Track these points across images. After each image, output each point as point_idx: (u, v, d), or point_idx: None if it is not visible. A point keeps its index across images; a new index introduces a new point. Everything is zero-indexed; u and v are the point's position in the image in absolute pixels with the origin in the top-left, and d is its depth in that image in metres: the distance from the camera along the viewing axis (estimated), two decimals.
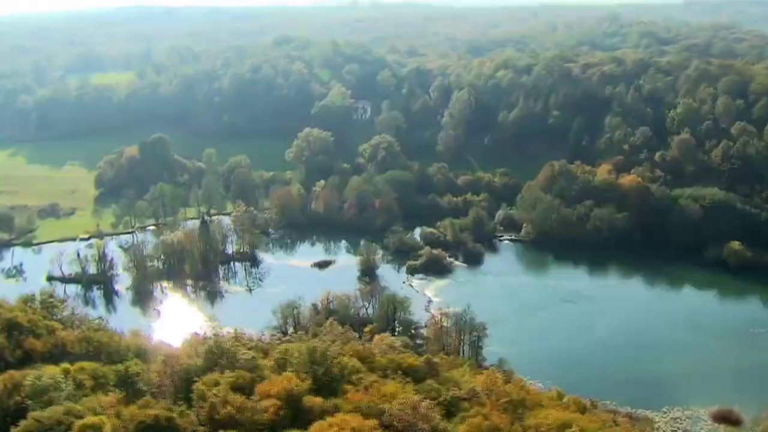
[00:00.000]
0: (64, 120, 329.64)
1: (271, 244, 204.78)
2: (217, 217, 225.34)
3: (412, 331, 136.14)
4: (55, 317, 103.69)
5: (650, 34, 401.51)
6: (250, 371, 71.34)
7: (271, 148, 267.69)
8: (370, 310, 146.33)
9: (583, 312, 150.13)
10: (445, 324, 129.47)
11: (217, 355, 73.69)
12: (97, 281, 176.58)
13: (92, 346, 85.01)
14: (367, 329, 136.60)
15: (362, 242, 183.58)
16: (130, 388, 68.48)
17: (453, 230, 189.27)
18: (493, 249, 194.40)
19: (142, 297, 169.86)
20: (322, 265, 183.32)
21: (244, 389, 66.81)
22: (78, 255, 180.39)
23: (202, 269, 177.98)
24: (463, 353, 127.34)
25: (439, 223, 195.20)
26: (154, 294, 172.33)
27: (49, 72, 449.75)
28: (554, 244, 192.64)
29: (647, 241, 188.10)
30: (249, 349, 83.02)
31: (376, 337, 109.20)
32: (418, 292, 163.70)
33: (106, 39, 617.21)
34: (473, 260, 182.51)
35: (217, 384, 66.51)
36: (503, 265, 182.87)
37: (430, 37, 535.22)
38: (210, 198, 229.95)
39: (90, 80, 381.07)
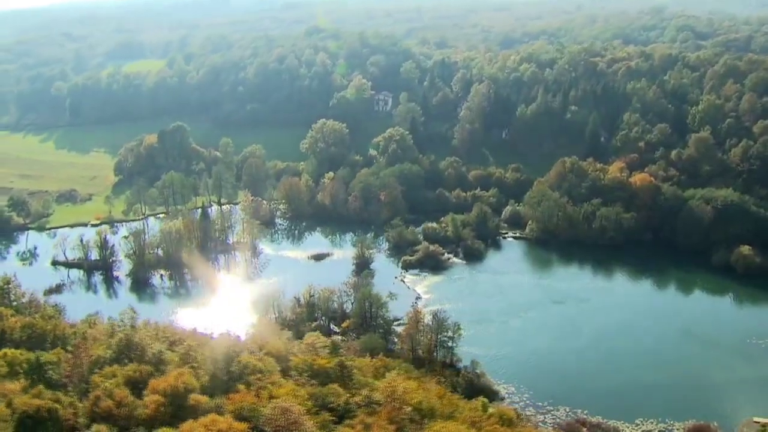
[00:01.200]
0: (95, 107, 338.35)
1: (272, 235, 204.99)
2: (228, 206, 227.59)
3: (392, 328, 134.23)
4: (12, 303, 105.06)
5: (688, 28, 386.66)
6: (155, 365, 70.66)
7: (290, 139, 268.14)
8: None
9: (573, 315, 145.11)
10: (422, 322, 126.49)
11: (126, 348, 73.28)
12: (98, 267, 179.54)
13: (35, 333, 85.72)
14: (344, 324, 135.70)
15: (355, 237, 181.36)
16: (40, 376, 68.63)
17: (454, 226, 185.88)
18: (497, 246, 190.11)
19: (140, 284, 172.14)
20: (319, 257, 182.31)
21: (139, 383, 66.22)
22: (81, 241, 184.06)
23: (199, 258, 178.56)
24: (437, 354, 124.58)
25: (442, 218, 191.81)
26: (151, 281, 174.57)
27: (90, 59, 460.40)
28: (559, 243, 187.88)
29: (656, 242, 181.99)
30: (173, 343, 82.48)
31: (307, 335, 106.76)
32: (409, 288, 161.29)
33: (152, 27, 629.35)
34: (473, 257, 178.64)
35: (114, 376, 66.10)
36: (503, 263, 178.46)
37: (468, 29, 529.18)
38: (220, 187, 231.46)
39: (124, 68, 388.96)
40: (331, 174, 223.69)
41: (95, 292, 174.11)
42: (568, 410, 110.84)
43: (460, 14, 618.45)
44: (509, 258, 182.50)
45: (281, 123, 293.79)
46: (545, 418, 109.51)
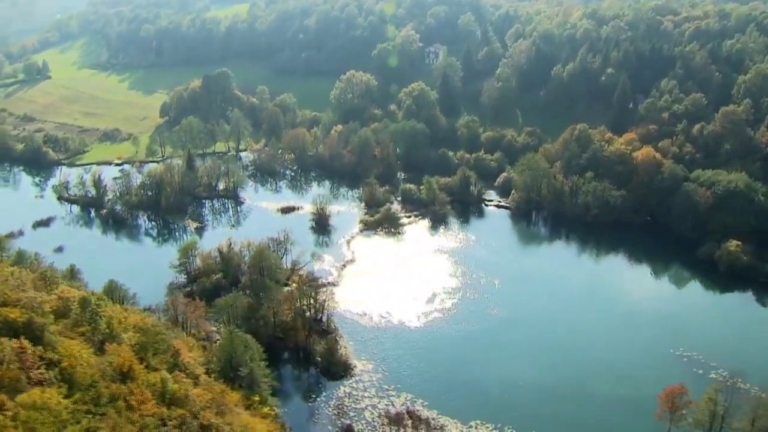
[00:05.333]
0: (173, 50, 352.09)
1: (272, 184, 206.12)
2: (247, 152, 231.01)
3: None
4: None
5: None
6: None
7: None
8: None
9: (488, 298, 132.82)
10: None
11: None
12: (92, 204, 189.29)
13: None
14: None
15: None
16: None
17: (429, 188, 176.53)
18: (480, 214, 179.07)
19: (117, 222, 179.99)
20: (286, 210, 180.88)
21: None
22: (82, 179, 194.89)
23: (174, 204, 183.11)
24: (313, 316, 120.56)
25: (423, 179, 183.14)
26: (130, 221, 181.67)
27: (195, 2, 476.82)
28: (543, 217, 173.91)
29: (647, 226, 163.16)
30: None
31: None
32: (348, 248, 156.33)
33: None
34: (438, 223, 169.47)
35: None
36: (468, 231, 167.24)
37: None
38: (238, 133, 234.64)
39: (221, 12, 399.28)
40: (339, 127, 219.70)
41: (90, 227, 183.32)
42: (408, 399, 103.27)
43: None
44: (477, 227, 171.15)
45: (333, 72, 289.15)
46: (380, 402, 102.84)
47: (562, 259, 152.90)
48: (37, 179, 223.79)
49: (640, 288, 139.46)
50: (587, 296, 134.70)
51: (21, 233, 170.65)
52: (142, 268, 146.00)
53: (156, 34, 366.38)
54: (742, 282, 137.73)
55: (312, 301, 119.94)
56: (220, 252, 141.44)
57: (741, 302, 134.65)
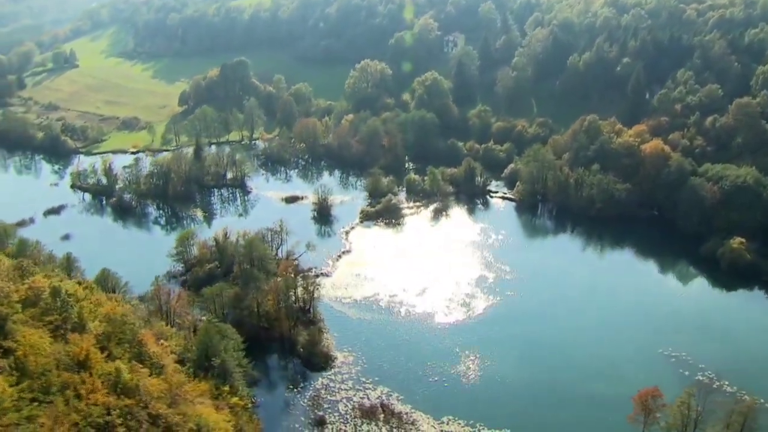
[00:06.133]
0: (198, 38, 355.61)
1: (281, 173, 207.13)
2: (260, 140, 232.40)
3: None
4: None
5: None
6: None
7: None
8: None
9: (476, 292, 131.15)
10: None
11: None
12: (102, 193, 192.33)
13: None
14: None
15: (318, 184, 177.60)
16: None
17: (433, 179, 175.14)
18: (486, 205, 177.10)
19: (124, 210, 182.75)
20: (290, 200, 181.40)
21: None
22: (95, 167, 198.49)
23: (182, 192, 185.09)
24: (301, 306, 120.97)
25: (418, 169, 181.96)
26: (138, 209, 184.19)
27: None
28: (547, 209, 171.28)
29: (653, 221, 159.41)
30: None
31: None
32: (345, 239, 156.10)
33: None
34: (440, 214, 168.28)
35: None
36: (471, 223, 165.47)
37: None
38: (252, 122, 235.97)
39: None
40: (350, 116, 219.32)
41: (102, 214, 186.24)
42: (384, 392, 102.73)
43: None
44: (480, 219, 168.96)
45: (352, 60, 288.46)
46: (356, 395, 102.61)
47: (562, 254, 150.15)
48: (56, 167, 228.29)
49: (639, 285, 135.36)
50: (584, 292, 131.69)
51: (32, 221, 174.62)
52: (145, 256, 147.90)
53: (181, 22, 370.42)
54: (745, 280, 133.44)
55: (299, 292, 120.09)
56: (216, 241, 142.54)
57: (741, 302, 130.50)
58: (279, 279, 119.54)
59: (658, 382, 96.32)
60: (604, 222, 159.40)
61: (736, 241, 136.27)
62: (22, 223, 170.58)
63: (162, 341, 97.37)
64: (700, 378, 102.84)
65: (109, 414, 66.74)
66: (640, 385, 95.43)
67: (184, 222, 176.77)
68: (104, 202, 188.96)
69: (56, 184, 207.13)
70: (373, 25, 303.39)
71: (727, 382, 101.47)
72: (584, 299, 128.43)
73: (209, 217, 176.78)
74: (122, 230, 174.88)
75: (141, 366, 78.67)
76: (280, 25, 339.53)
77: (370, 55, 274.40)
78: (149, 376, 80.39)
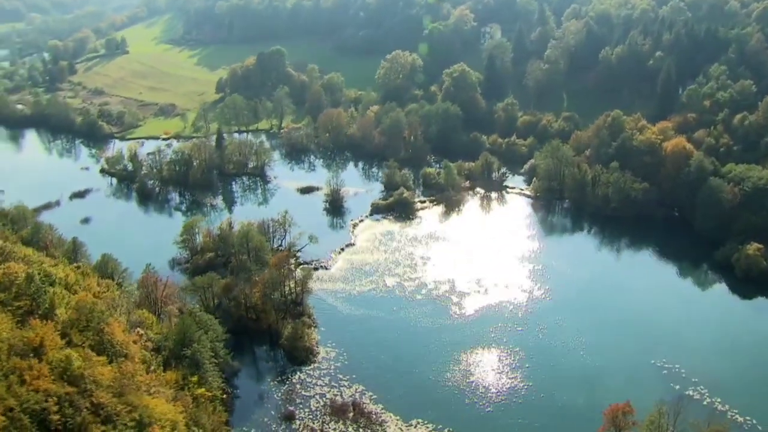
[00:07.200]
0: (243, 26, 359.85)
1: (304, 163, 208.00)
2: (285, 129, 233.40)
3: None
4: None
5: None
6: None
7: None
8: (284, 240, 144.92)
9: (486, 288, 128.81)
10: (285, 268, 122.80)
11: None
12: (127, 178, 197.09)
13: None
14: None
15: (332, 176, 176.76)
16: None
17: (448, 173, 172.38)
18: (502, 200, 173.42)
19: (145, 196, 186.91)
20: (306, 190, 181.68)
21: None
22: (122, 152, 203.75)
23: (202, 180, 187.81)
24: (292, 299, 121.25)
25: (436, 164, 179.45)
26: (160, 195, 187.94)
27: None
28: (565, 207, 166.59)
29: (671, 221, 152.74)
30: None
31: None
32: (352, 232, 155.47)
33: None
34: (452, 208, 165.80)
35: None
36: (482, 219, 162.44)
37: None
38: (281, 111, 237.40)
39: None
40: (375, 107, 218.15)
41: (117, 199, 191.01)
42: (358, 390, 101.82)
43: None
44: (493, 215, 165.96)
45: (389, 51, 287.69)
46: (330, 391, 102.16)
47: (571, 255, 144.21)
48: (92, 151, 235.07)
49: (647, 289, 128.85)
50: (585, 297, 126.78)
51: (58, 203, 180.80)
52: (157, 242, 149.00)
53: (228, 10, 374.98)
54: (760, 289, 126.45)
55: (291, 284, 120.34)
56: (221, 230, 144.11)
57: (753, 312, 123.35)
58: (266, 271, 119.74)
59: (640, 395, 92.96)
60: (619, 221, 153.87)
61: (753, 247, 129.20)
62: (48, 206, 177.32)
63: (138, 329, 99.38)
64: (691, 393, 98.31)
65: (46, 401, 68.00)
66: (620, 397, 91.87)
67: (204, 209, 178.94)
68: (129, 187, 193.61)
69: (87, 169, 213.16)
70: (410, 15, 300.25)
71: (718, 400, 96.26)
72: (587, 304, 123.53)
73: (226, 206, 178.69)
74: (142, 215, 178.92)
75: (96, 354, 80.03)
76: (322, 14, 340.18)
77: (406, 45, 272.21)
78: (109, 364, 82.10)
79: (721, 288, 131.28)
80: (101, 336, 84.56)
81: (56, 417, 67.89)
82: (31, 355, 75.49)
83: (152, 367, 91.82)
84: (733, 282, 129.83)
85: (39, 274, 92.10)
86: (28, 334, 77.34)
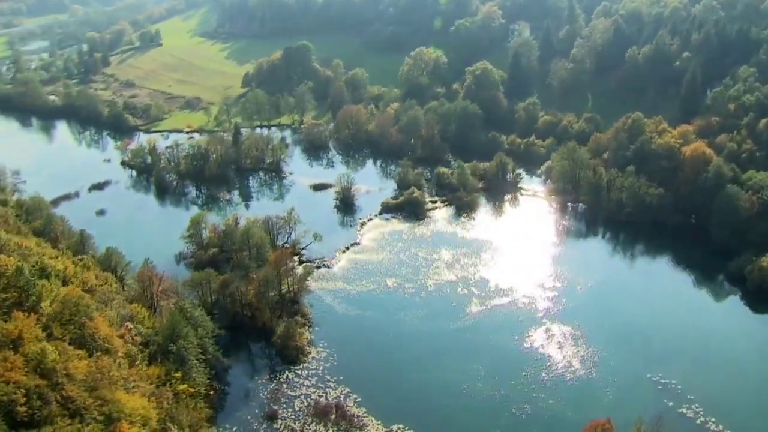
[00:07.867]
0: (275, 20, 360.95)
1: (322, 159, 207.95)
2: (305, 125, 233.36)
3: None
4: None
5: None
6: None
7: None
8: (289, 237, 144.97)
9: (486, 292, 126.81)
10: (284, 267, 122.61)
11: None
12: (146, 171, 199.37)
13: None
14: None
15: (343, 173, 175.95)
16: None
17: (461, 173, 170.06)
18: (516, 202, 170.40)
19: (161, 189, 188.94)
20: (319, 187, 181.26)
21: None
22: (142, 146, 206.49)
23: (218, 175, 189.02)
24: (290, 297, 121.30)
25: (454, 163, 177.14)
26: (177, 189, 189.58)
27: None
28: (579, 211, 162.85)
29: (686, 229, 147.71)
30: None
31: None
32: (359, 230, 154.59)
33: None
34: (462, 209, 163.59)
35: None
36: (492, 222, 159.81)
37: None
38: (303, 107, 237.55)
39: None
40: (395, 104, 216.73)
41: (135, 191, 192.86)
42: (343, 392, 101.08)
43: None
44: (504, 217, 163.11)
45: (416, 47, 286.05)
46: (315, 392, 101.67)
47: (582, 262, 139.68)
48: (118, 143, 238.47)
49: (655, 300, 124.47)
50: (592, 306, 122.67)
51: (77, 195, 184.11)
52: (168, 236, 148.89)
53: (261, 4, 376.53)
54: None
55: (290, 282, 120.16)
56: (226, 226, 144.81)
57: (762, 328, 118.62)
58: (262, 269, 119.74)
59: (630, 411, 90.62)
60: (634, 227, 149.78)
61: (767, 260, 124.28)
62: (66, 197, 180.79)
63: (128, 324, 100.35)
64: (684, 411, 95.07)
65: (15, 393, 68.84)
66: (607, 412, 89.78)
67: (219, 204, 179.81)
68: (148, 180, 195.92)
69: (108, 161, 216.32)
70: (438, 11, 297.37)
71: (712, 419, 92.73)
72: (587, 314, 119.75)
73: (241, 201, 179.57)
74: (157, 208, 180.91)
75: (77, 348, 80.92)
76: (352, 9, 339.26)
77: (434, 42, 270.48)
78: (89, 358, 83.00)
79: (732, 301, 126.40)
80: (83, 330, 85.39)
81: (23, 409, 68.65)
82: (10, 347, 76.67)
83: (137, 362, 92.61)
84: (746, 295, 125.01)
85: (35, 266, 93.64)
86: (8, 326, 78.48)
